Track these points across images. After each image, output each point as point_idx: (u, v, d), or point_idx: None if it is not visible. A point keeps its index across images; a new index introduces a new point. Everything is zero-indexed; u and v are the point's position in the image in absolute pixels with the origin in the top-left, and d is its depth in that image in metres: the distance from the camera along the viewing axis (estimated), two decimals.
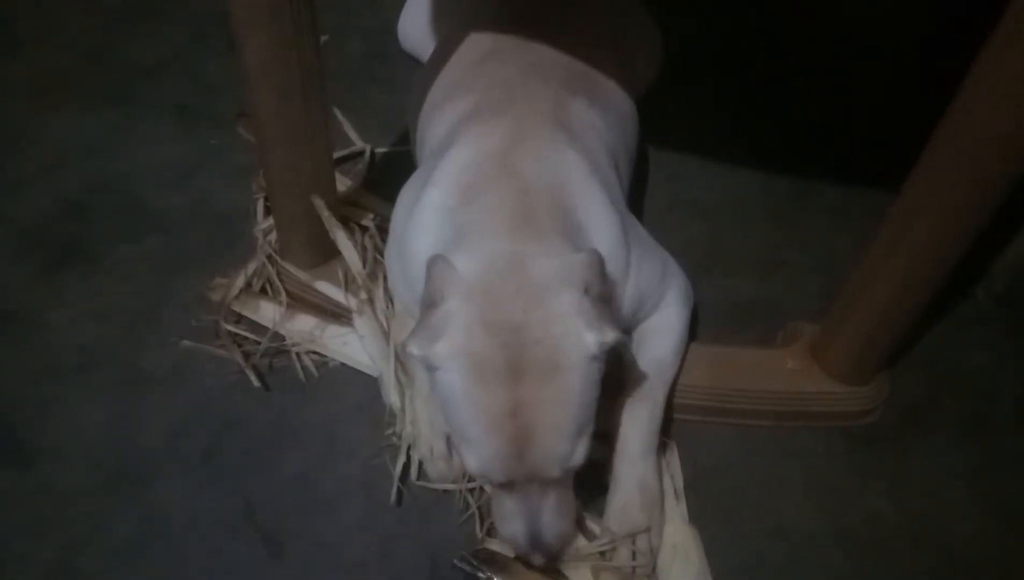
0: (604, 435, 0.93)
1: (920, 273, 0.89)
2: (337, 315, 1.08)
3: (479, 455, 0.73)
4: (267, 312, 1.08)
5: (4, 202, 1.21)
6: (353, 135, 1.34)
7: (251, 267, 1.10)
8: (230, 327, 1.06)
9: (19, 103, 1.36)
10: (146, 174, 1.27)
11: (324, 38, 1.50)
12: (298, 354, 1.06)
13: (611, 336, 0.71)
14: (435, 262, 0.74)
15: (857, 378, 1.03)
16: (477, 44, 1.05)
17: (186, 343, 1.05)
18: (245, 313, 1.09)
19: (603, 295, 0.74)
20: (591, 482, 0.90)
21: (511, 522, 0.80)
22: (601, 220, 0.85)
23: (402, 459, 0.95)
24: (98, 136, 1.32)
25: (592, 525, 0.90)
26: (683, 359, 1.02)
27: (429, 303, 0.73)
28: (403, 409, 0.97)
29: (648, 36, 1.32)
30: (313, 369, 1.05)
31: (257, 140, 1.00)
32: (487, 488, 0.91)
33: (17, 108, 1.35)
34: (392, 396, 0.98)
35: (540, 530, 0.79)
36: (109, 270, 1.14)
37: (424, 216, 0.85)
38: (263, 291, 1.11)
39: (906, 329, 0.98)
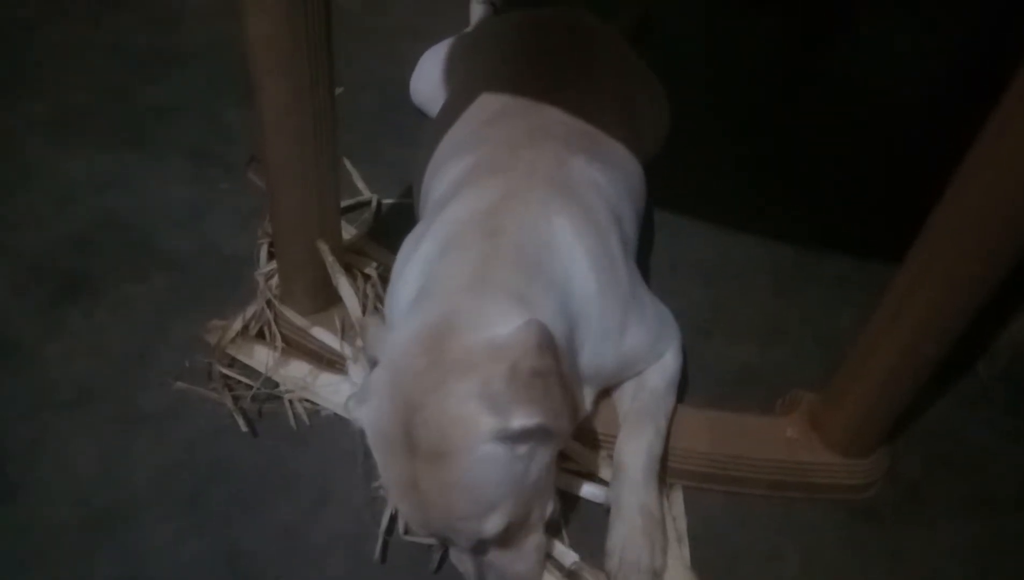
0: (589, 475, 0.93)
1: (919, 346, 0.89)
2: (332, 363, 1.08)
3: (400, 515, 0.77)
4: (261, 356, 1.08)
5: (13, 234, 1.22)
6: (361, 185, 1.35)
7: (249, 311, 1.10)
8: (223, 370, 1.05)
9: (37, 140, 1.39)
10: (155, 214, 1.29)
11: (339, 90, 1.53)
12: (291, 401, 1.05)
13: (520, 422, 0.68)
14: (368, 324, 0.76)
15: (857, 451, 1.02)
16: (484, 104, 1.07)
17: (180, 385, 1.04)
18: (240, 357, 1.08)
19: (539, 371, 0.69)
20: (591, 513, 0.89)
21: (460, 562, 0.81)
22: (581, 282, 0.85)
23: (388, 513, 0.94)
24: (111, 175, 1.34)
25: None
26: (676, 401, 1.01)
27: (370, 362, 0.75)
28: None
29: (656, 100, 1.34)
30: (305, 417, 1.04)
31: (267, 184, 1.01)
32: None
33: (34, 145, 1.38)
34: None
35: (484, 574, 0.79)
36: (111, 307, 1.15)
37: (410, 268, 0.87)
38: (260, 335, 1.10)
39: (907, 403, 0.97)
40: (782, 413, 1.07)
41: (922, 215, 0.83)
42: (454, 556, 0.83)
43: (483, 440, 0.69)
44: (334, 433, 1.03)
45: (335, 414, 1.04)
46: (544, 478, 0.78)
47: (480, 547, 0.78)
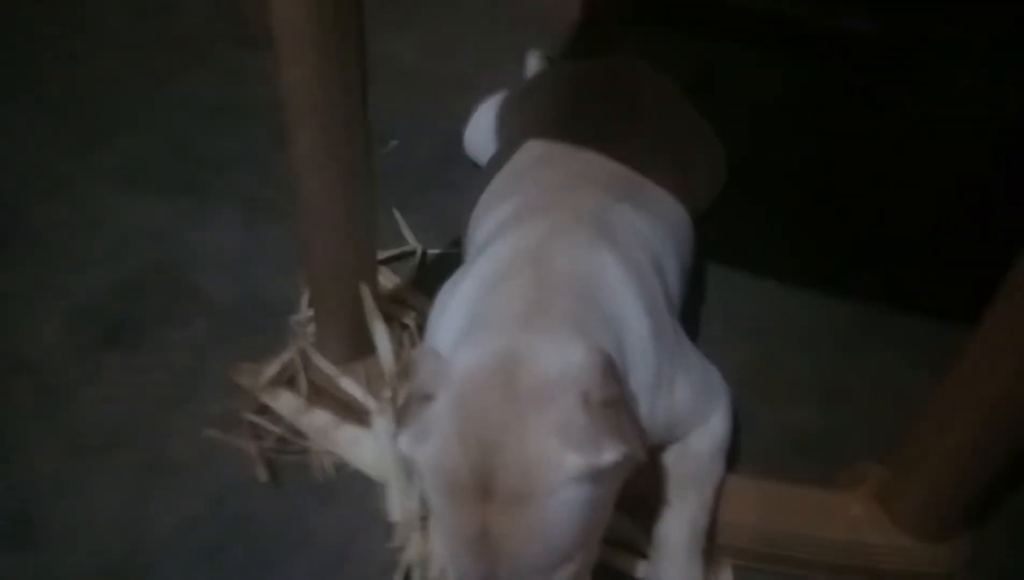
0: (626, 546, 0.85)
1: (1003, 415, 0.78)
2: (358, 414, 1.04)
3: (455, 571, 0.67)
4: (287, 403, 1.05)
5: (66, 278, 1.24)
6: (408, 234, 1.33)
7: (285, 356, 1.08)
8: (251, 417, 1.03)
9: (102, 189, 1.42)
10: (204, 261, 1.29)
11: (394, 142, 1.55)
12: (318, 452, 1.01)
13: (608, 456, 0.63)
14: (424, 355, 0.70)
15: (933, 534, 0.90)
16: (529, 149, 1.05)
17: (210, 432, 1.02)
18: (267, 402, 1.06)
19: (609, 400, 0.65)
20: None
21: None
22: (634, 323, 0.80)
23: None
24: (166, 222, 1.36)
25: None
26: (725, 469, 0.93)
27: (420, 396, 0.68)
28: (407, 523, 0.91)
29: (710, 150, 1.29)
30: (332, 469, 1.00)
31: (301, 230, 0.99)
32: None
33: (99, 194, 1.41)
34: (395, 508, 0.92)
35: None
36: (151, 352, 1.15)
37: (451, 309, 0.83)
38: (290, 383, 1.08)
39: (989, 479, 0.85)
40: (846, 487, 0.97)
41: (998, 270, 0.75)
42: None
43: (569, 479, 0.63)
44: (357, 490, 0.99)
45: (358, 470, 1.00)
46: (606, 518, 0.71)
47: None
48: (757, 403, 1.10)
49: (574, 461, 0.62)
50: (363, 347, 1.06)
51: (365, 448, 1.01)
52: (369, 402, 1.01)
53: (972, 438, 0.82)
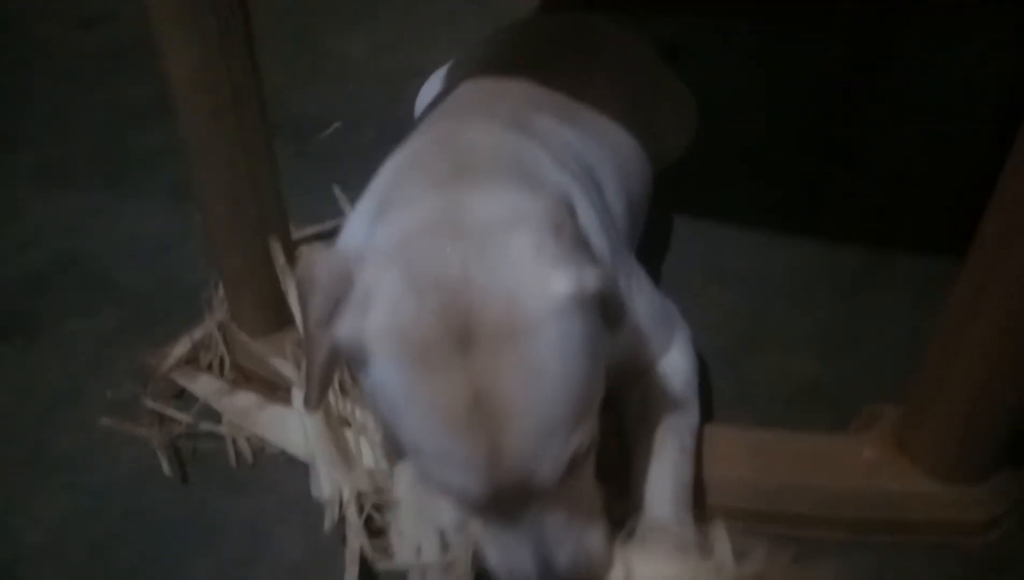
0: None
1: (1012, 332, 0.64)
2: (284, 392, 0.89)
3: (444, 473, 0.55)
4: (206, 386, 0.90)
5: None
6: (347, 207, 1.20)
7: (197, 333, 0.94)
8: (151, 403, 0.88)
9: (17, 187, 1.31)
10: (120, 251, 1.17)
11: (336, 124, 1.44)
12: (234, 438, 0.86)
13: (592, 280, 0.53)
14: (318, 250, 0.57)
15: (965, 474, 0.75)
16: (464, 85, 0.93)
17: (105, 421, 0.87)
18: (182, 383, 0.91)
19: (579, 238, 0.56)
20: None
21: (511, 558, 0.59)
22: (574, 196, 0.67)
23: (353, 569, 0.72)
24: (83, 216, 1.24)
25: None
26: (701, 412, 0.79)
27: (332, 288, 0.55)
28: (339, 502, 0.75)
29: (678, 99, 1.21)
30: (249, 455, 0.85)
31: (193, 177, 0.86)
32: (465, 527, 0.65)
33: (12, 192, 1.30)
34: (324, 484, 0.76)
35: (552, 559, 0.58)
36: (51, 345, 1.01)
37: (358, 208, 0.71)
38: (211, 367, 0.93)
39: (1016, 408, 0.70)
40: (855, 432, 0.81)
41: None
42: (501, 550, 0.60)
43: (557, 305, 0.53)
44: (278, 475, 0.83)
45: (283, 452, 0.85)
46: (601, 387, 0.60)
47: (547, 503, 0.57)
48: (748, 354, 0.96)
49: (560, 281, 0.53)
50: (283, 317, 0.92)
51: (291, 427, 0.86)
52: (289, 371, 0.86)
53: (993, 345, 0.67)
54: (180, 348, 0.92)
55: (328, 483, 0.77)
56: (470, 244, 0.54)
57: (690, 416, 0.76)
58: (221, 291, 0.99)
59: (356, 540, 0.72)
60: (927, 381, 0.74)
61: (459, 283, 0.52)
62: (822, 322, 1.02)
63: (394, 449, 0.76)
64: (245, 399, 0.89)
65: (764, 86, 1.55)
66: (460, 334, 0.51)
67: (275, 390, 0.90)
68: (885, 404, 0.82)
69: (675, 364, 0.78)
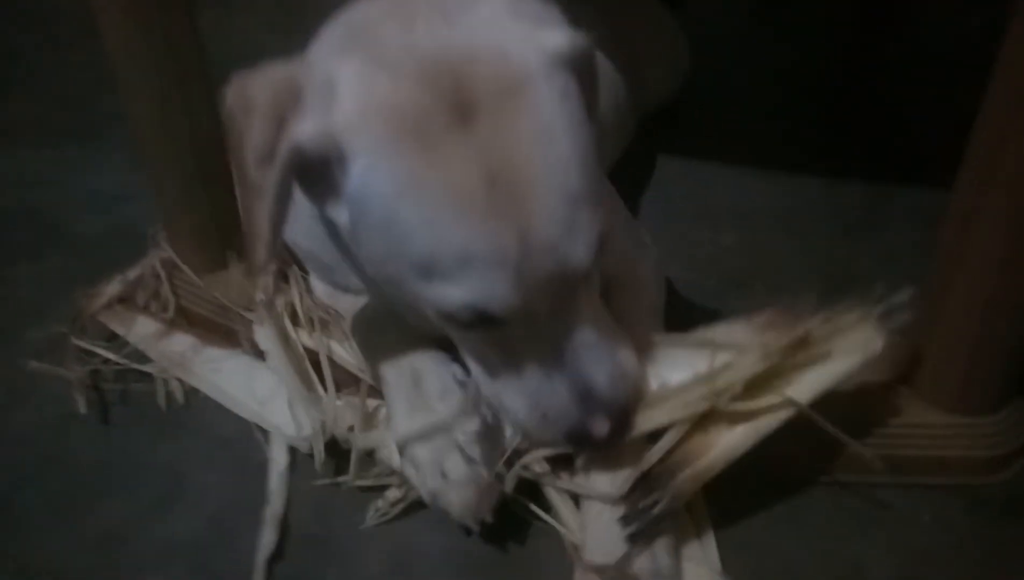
0: None
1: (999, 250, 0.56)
2: (228, 335, 0.82)
3: (468, 285, 0.48)
4: (140, 328, 0.84)
5: None
6: None
7: (133, 272, 0.87)
8: (80, 342, 0.82)
9: None
10: (77, 202, 1.11)
11: None
12: (164, 380, 0.79)
13: (579, 39, 0.50)
14: (252, 72, 0.52)
15: (970, 405, 0.65)
16: None
17: (33, 365, 0.81)
18: (117, 329, 0.84)
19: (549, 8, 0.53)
20: None
21: (545, 399, 0.54)
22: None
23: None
24: (47, 171, 1.19)
25: None
26: None
27: (271, 109, 0.49)
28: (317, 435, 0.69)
29: (667, 36, 1.15)
30: (180, 396, 0.78)
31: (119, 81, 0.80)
32: (484, 373, 0.59)
33: None
34: (302, 419, 0.70)
35: (592, 384, 0.53)
36: None
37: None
38: (148, 307, 0.86)
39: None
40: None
41: None
42: (532, 400, 0.55)
43: (551, 58, 0.49)
44: (209, 418, 0.76)
45: (208, 401, 0.78)
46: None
47: (576, 313, 0.53)
48: (740, 292, 0.87)
49: (550, 36, 0.50)
50: (228, 256, 0.85)
51: (226, 375, 0.79)
52: (255, 300, 0.78)
53: (997, 249, 0.58)
54: (113, 287, 0.86)
55: (307, 417, 0.70)
56: (435, 15, 0.48)
57: (657, 317, 0.69)
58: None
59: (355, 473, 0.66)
60: (929, 296, 0.65)
61: (438, 50, 0.46)
62: (820, 260, 0.93)
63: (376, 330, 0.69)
64: (181, 342, 0.82)
65: (771, 27, 1.46)
66: (454, 100, 0.45)
67: (212, 332, 0.83)
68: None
69: (645, 294, 0.70)
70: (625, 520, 0.56)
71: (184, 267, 0.85)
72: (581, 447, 0.57)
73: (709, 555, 0.60)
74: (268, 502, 0.67)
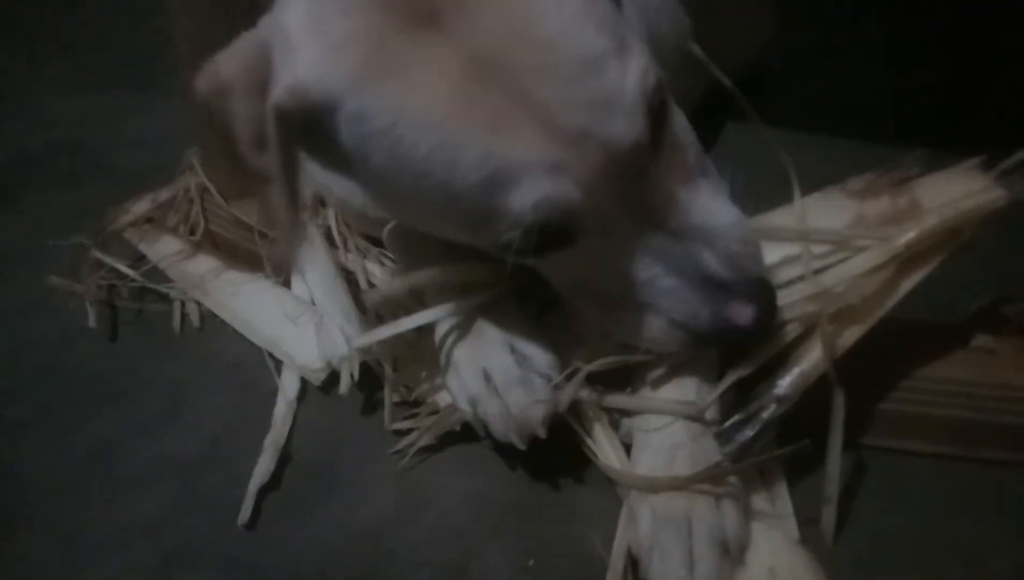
0: None
1: None
2: (251, 259, 0.75)
3: (502, 199, 0.41)
4: (165, 247, 0.78)
5: None
6: None
7: (164, 193, 0.82)
8: (100, 256, 0.76)
9: (48, 91, 1.25)
10: (124, 141, 1.08)
11: None
12: (182, 302, 0.73)
13: None
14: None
15: None
16: None
17: (54, 279, 0.76)
18: (143, 248, 0.79)
19: None
20: None
21: (663, 298, 0.46)
22: None
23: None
24: (102, 114, 1.16)
25: None
26: None
27: (250, 84, 0.44)
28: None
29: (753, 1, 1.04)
30: (197, 319, 0.72)
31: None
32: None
33: (40, 92, 1.24)
34: (336, 340, 0.63)
35: (707, 264, 0.45)
36: (26, 212, 0.91)
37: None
38: (177, 230, 0.81)
39: None
40: (964, 320, 0.60)
41: None
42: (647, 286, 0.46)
43: None
44: (221, 342, 0.70)
45: (223, 325, 0.71)
46: None
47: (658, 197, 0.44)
48: None
49: None
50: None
51: (243, 299, 0.72)
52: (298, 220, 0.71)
53: None
54: (142, 205, 0.81)
55: (340, 339, 0.62)
56: None
57: None
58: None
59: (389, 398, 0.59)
60: None
61: None
62: None
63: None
64: (203, 264, 0.76)
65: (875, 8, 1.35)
66: (410, 9, 0.39)
67: (241, 258, 0.77)
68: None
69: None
70: (721, 437, 0.47)
71: (214, 190, 0.80)
72: (736, 341, 0.48)
73: (786, 520, 0.49)
74: (271, 429, 0.59)
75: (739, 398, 0.49)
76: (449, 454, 0.57)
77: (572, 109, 0.39)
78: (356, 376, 0.60)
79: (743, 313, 0.44)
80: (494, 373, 0.51)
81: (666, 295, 0.45)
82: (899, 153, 0.73)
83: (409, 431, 0.58)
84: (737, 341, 0.48)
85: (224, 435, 0.60)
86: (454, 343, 0.53)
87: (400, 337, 0.57)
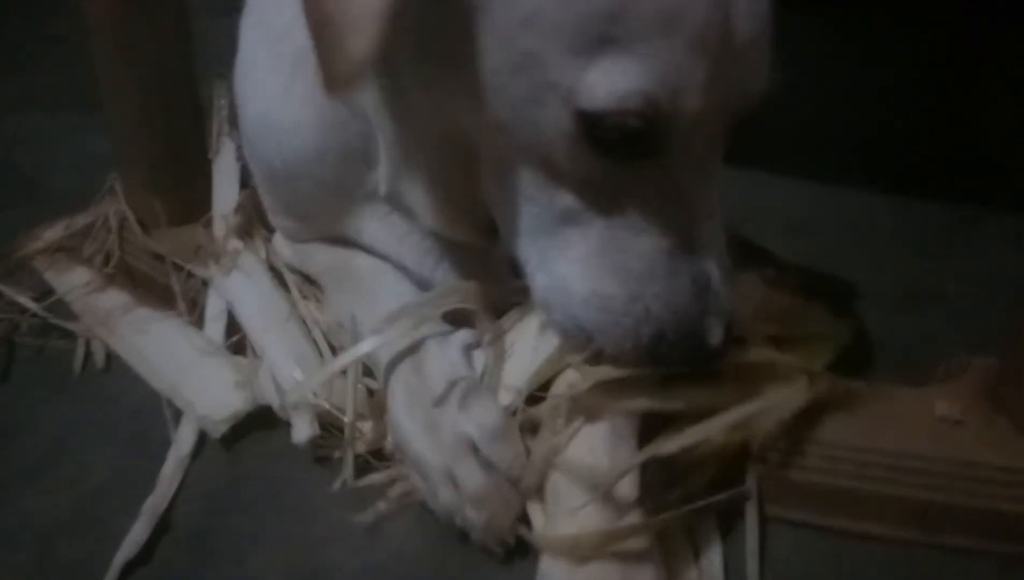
0: None
1: None
2: (166, 295, 0.69)
3: (645, 50, 0.38)
4: (74, 278, 0.72)
5: None
6: None
7: (81, 219, 0.76)
8: (2, 287, 0.70)
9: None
10: (62, 163, 1.02)
11: None
12: (88, 340, 0.67)
13: None
14: None
15: None
16: None
17: None
18: (52, 280, 0.73)
19: None
20: None
21: (670, 269, 0.45)
22: None
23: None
24: (39, 135, 1.11)
25: None
26: None
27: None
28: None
29: None
30: (101, 360, 0.66)
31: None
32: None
33: None
34: (285, 387, 0.56)
35: (711, 272, 0.46)
36: None
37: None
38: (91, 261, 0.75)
39: None
40: (931, 384, 0.54)
41: None
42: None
43: None
44: (117, 389, 0.63)
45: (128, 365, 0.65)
46: None
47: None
48: None
49: None
50: (197, 206, 0.74)
51: (152, 337, 0.66)
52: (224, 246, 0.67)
53: None
54: (53, 232, 0.75)
55: (292, 386, 0.56)
56: None
57: None
58: None
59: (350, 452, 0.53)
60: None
61: None
62: (901, 278, 0.76)
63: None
64: (113, 298, 0.70)
65: (859, 47, 1.32)
66: None
67: (155, 293, 0.71)
68: (974, 357, 0.55)
69: None
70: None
71: (131, 218, 0.74)
72: (697, 358, 0.45)
73: None
74: (154, 490, 0.53)
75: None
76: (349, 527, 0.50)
77: (751, 23, 0.40)
78: (313, 430, 0.54)
79: (716, 332, 0.44)
80: (461, 482, 0.46)
81: (669, 277, 0.44)
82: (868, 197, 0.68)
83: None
84: (698, 359, 0.45)
85: (102, 494, 0.53)
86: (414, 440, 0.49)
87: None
